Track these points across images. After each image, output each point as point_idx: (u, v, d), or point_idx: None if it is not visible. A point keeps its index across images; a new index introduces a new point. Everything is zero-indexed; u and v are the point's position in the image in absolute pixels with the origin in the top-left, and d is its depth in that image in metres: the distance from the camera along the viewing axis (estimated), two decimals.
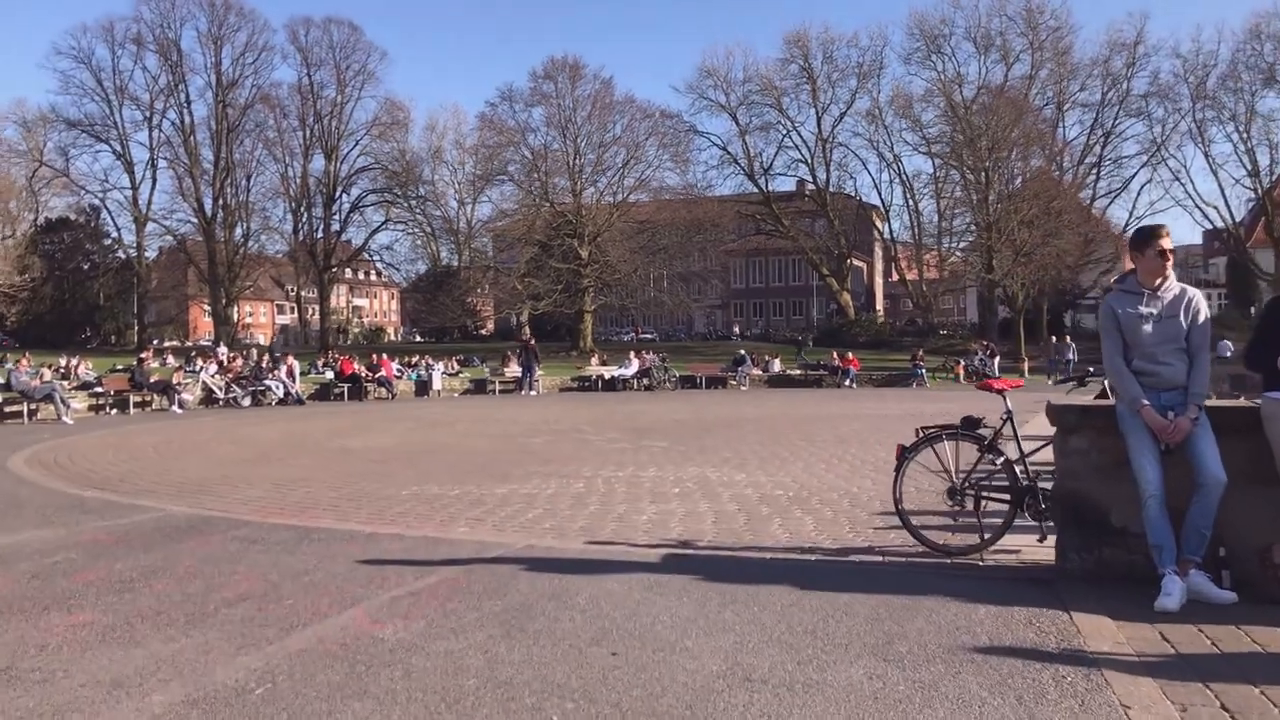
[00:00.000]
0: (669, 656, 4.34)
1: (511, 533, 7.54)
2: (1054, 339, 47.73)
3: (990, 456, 6.62)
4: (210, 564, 6.46)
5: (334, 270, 73.70)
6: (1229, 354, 35.83)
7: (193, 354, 39.02)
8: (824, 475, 10.58)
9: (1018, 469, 6.57)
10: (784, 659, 4.30)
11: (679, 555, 6.61)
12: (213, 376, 28.84)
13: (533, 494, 9.51)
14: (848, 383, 35.80)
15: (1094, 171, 73.14)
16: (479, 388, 35.14)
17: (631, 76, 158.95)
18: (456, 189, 79.95)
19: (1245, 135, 70.37)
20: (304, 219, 72.02)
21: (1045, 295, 65.78)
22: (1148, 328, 5.49)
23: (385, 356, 34.57)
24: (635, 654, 4.38)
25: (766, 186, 75.97)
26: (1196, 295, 5.59)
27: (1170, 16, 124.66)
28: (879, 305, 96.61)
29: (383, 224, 74.03)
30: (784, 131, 74.40)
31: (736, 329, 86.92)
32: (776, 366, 40.30)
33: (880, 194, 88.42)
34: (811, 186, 76.93)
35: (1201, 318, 5.53)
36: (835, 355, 38.93)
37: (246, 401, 27.52)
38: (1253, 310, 77.47)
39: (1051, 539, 6.38)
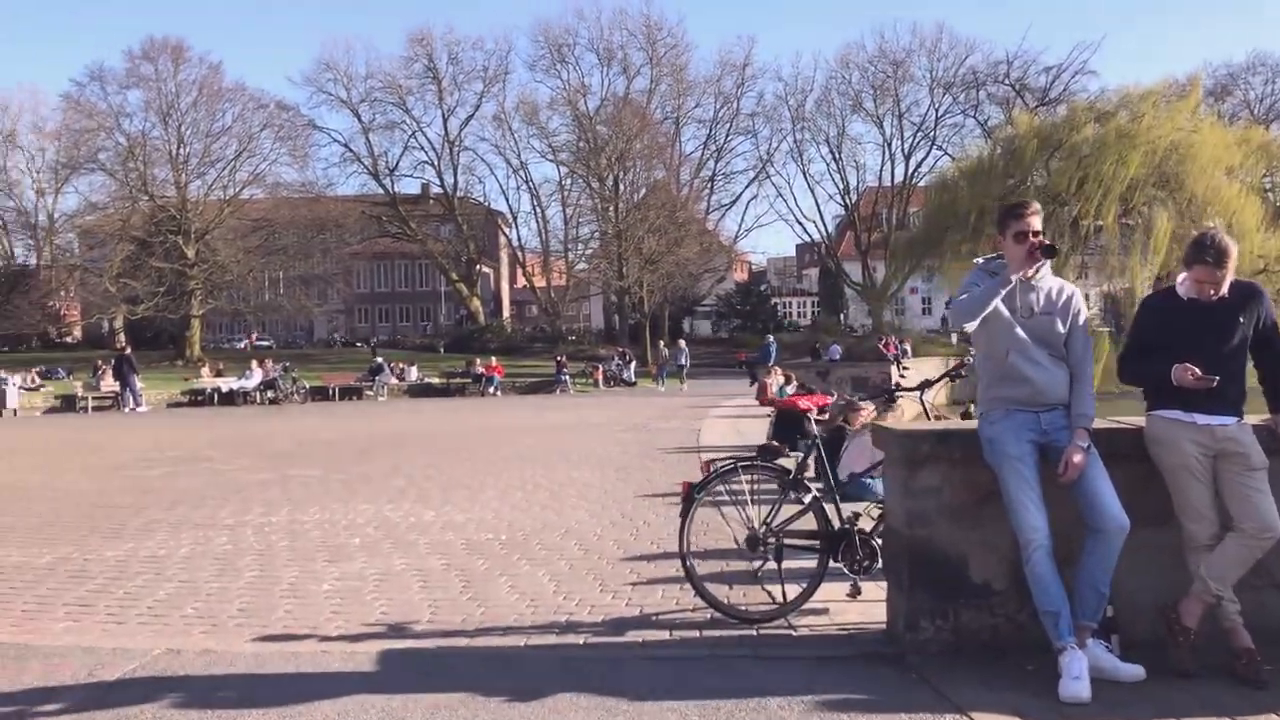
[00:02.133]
0: None
1: (139, 628, 5.26)
2: (661, 343, 48.14)
3: (796, 494, 5.31)
4: None
5: None
6: (838, 356, 38.11)
7: None
8: (528, 508, 8.94)
9: (829, 509, 5.31)
10: None
11: (398, 652, 4.72)
12: None
13: (160, 555, 7.12)
14: (492, 390, 34.35)
15: (709, 185, 76.79)
16: (68, 404, 30.19)
17: (242, 64, 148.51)
18: (35, 178, 70.24)
19: (837, 156, 76.73)
20: None
21: (668, 302, 68.04)
22: (1018, 326, 4.33)
23: None
24: None
25: (392, 188, 73.23)
26: (1076, 292, 4.53)
27: (775, 41, 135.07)
28: (506, 311, 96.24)
29: None
30: (409, 131, 72.07)
31: (339, 335, 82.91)
32: (414, 374, 38.13)
33: (508, 200, 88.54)
34: (438, 190, 75.06)
35: (1082, 319, 4.47)
36: (478, 362, 37.36)
37: None
38: (842, 317, 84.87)
39: (872, 593, 5.18)
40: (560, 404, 28.71)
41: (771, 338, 37.37)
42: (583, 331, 78.98)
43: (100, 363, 34.34)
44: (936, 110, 73.02)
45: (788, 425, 9.96)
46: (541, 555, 6.85)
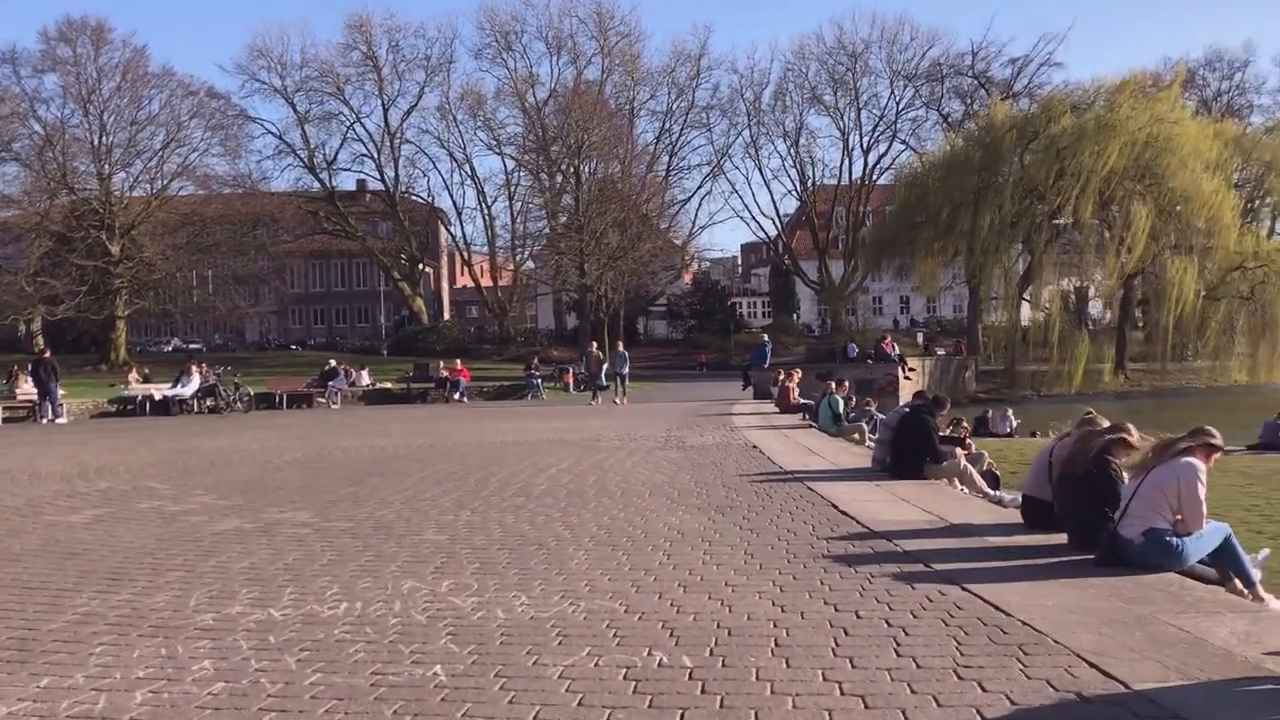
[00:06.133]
0: None
1: None
2: (594, 345, 41.06)
3: None
4: None
5: None
6: (855, 355, 35.43)
7: None
8: (658, 585, 5.89)
9: None
10: None
11: None
12: None
13: (99, 717, 4.02)
14: (458, 396, 31.16)
15: (663, 180, 74.30)
16: None
17: (168, 48, 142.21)
18: None
19: (794, 150, 74.63)
20: None
21: (624, 302, 65.27)
22: None
23: None
24: None
25: (330, 182, 69.65)
26: None
27: (731, 32, 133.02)
28: (447, 312, 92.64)
29: None
30: (348, 123, 68.88)
31: (273, 336, 78.57)
32: (366, 379, 34.72)
33: (452, 196, 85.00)
34: (378, 185, 71.53)
35: None
36: (441, 365, 34.08)
37: None
38: (795, 317, 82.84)
39: None
40: (542, 412, 25.63)
41: (766, 338, 34.53)
42: (530, 332, 75.81)
43: (16, 368, 30.42)
44: (897, 103, 71.38)
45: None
46: (789, 714, 3.86)
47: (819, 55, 71.62)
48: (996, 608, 5.11)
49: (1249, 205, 56.17)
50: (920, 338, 65.92)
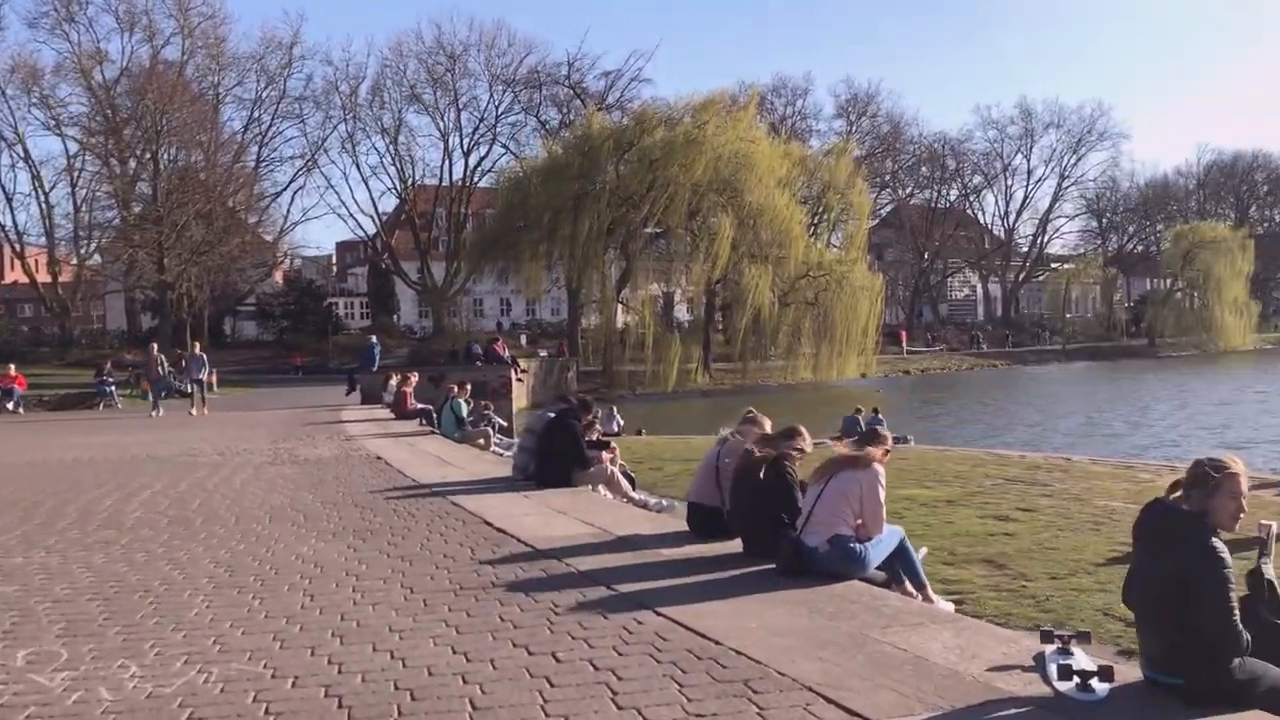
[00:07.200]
0: None
1: None
2: (154, 347, 33.98)
3: None
4: None
5: None
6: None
7: None
8: (307, 640, 4.90)
9: None
10: None
11: None
12: None
13: None
14: (12, 405, 27.06)
15: (253, 172, 69.83)
16: None
17: None
18: None
19: (393, 148, 72.92)
20: None
21: (209, 301, 60.58)
22: None
23: None
24: None
25: None
26: None
27: (325, 23, 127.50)
28: None
29: None
30: None
31: None
32: None
33: (0, 180, 74.37)
34: None
35: None
36: None
37: None
38: (396, 319, 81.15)
39: None
40: (121, 424, 22.75)
41: (375, 339, 32.96)
42: (98, 333, 68.18)
43: None
44: (497, 107, 71.66)
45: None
46: None
47: (418, 53, 70.45)
48: (702, 635, 4.66)
49: (813, 220, 61.84)
50: (523, 339, 66.67)
